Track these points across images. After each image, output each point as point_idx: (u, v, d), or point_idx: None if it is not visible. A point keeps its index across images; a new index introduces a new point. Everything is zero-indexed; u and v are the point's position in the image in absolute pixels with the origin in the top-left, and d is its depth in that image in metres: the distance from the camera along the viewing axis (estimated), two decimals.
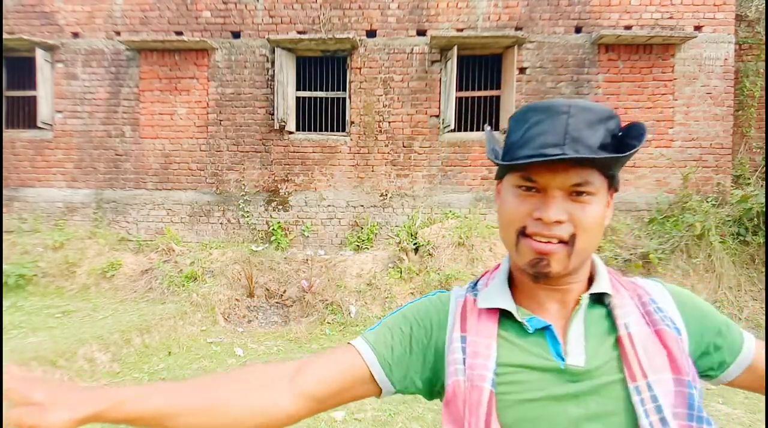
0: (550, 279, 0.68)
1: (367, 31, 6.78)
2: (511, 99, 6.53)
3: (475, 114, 7.13)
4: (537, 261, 0.66)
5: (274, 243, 6.78)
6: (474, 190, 6.76)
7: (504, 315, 0.71)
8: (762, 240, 5.71)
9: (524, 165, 0.65)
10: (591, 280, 0.74)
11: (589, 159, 0.63)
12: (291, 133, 6.92)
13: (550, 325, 0.68)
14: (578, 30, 6.60)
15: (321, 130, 7.18)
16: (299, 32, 6.80)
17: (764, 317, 5.26)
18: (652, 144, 6.58)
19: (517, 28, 6.62)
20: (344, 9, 6.76)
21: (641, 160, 6.59)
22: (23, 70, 7.46)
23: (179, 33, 6.94)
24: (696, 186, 6.45)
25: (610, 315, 0.71)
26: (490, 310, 0.72)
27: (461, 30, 6.67)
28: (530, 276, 0.69)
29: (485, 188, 6.74)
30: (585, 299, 0.70)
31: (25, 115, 7.60)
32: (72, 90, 7.10)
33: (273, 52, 6.76)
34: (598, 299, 0.72)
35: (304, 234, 6.85)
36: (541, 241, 0.66)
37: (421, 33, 6.71)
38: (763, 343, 0.77)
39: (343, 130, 7.04)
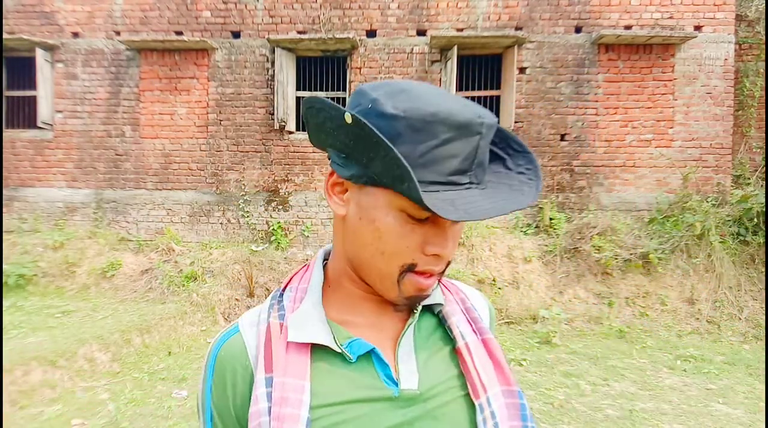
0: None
1: (367, 31, 6.77)
2: (512, 99, 6.53)
3: None
4: (418, 296, 0.58)
5: (274, 243, 6.78)
6: None
7: (319, 347, 0.58)
8: (762, 240, 5.71)
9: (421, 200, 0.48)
10: None
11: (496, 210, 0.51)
12: (291, 132, 6.92)
13: (374, 348, 0.58)
14: (578, 30, 6.60)
15: None
16: (299, 32, 6.80)
17: (764, 317, 5.26)
18: (652, 144, 6.59)
19: (517, 28, 6.62)
20: (344, 9, 6.76)
21: (641, 159, 6.59)
22: (23, 70, 7.46)
23: (179, 33, 6.94)
24: (696, 186, 6.45)
25: (441, 325, 0.64)
26: (301, 343, 0.57)
27: (461, 30, 6.67)
28: (396, 306, 0.60)
29: None
30: (418, 312, 0.62)
31: (25, 115, 7.60)
32: (72, 90, 7.10)
33: (273, 52, 6.76)
34: (427, 307, 0.64)
35: (304, 234, 6.85)
36: (425, 278, 0.56)
37: (421, 33, 6.71)
38: None
39: None
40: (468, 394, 0.59)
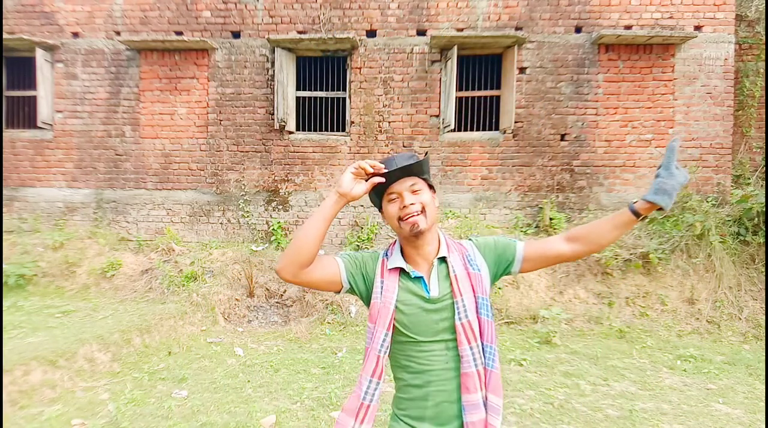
0: (422, 233, 1.27)
1: (367, 30, 6.77)
2: (511, 99, 6.53)
3: (475, 114, 7.13)
4: (412, 227, 1.26)
5: (274, 243, 6.78)
6: (474, 190, 6.76)
7: (401, 270, 1.32)
8: (762, 240, 5.71)
9: (388, 186, 1.30)
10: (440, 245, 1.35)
11: (405, 168, 1.27)
12: (291, 132, 6.92)
13: (422, 276, 1.31)
14: (578, 30, 6.60)
15: (321, 130, 7.18)
16: (299, 32, 6.80)
17: (764, 317, 5.26)
18: (652, 144, 6.59)
19: (517, 28, 6.62)
20: (344, 9, 6.76)
21: (641, 159, 6.59)
22: (23, 70, 7.46)
23: (179, 33, 6.94)
24: (696, 186, 6.45)
25: (447, 264, 1.32)
26: (394, 268, 1.32)
27: (461, 30, 6.67)
28: (412, 237, 1.28)
29: (485, 188, 6.74)
30: (437, 261, 1.32)
31: (25, 115, 7.60)
32: (72, 90, 7.10)
33: (273, 51, 6.76)
34: (441, 259, 1.33)
35: None
36: (409, 218, 1.26)
37: (421, 33, 6.71)
38: (532, 241, 1.38)
39: (343, 130, 7.04)
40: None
